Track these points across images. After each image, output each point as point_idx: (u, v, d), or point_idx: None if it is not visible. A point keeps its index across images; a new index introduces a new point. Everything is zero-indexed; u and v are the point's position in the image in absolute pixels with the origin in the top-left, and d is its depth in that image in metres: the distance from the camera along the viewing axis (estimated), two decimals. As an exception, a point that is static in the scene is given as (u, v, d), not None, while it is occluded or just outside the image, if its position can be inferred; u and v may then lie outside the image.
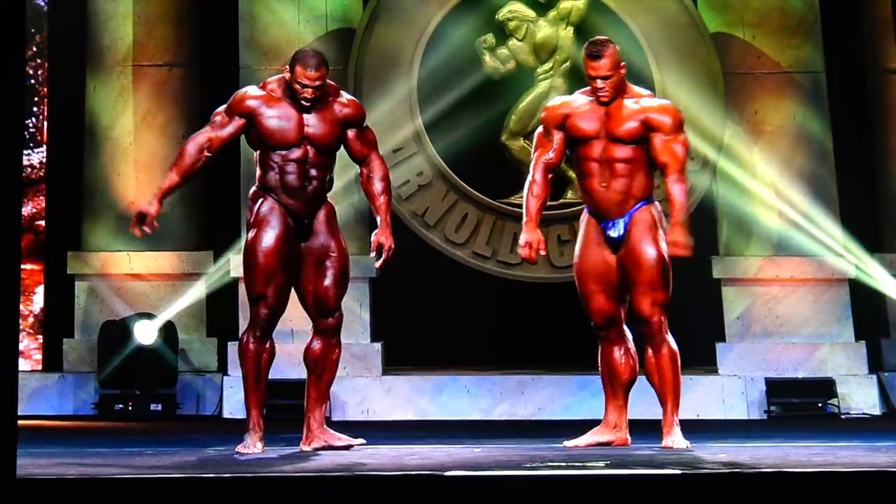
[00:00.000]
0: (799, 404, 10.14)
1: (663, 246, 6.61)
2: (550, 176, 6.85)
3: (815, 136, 10.89)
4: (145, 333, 10.36)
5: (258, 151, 6.71)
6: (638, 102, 6.69)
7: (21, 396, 10.20)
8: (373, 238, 6.70)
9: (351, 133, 6.72)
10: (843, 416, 10.14)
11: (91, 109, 11.25)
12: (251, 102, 6.62)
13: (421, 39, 11.09)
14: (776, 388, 10.22)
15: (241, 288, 10.59)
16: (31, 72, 11.74)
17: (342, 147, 6.76)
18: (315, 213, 6.66)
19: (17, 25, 4.34)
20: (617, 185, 6.67)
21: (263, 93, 6.65)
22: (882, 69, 11.18)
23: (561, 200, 10.59)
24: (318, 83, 6.54)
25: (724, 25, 11.13)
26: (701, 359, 10.54)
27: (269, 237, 6.53)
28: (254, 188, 6.73)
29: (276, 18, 11.02)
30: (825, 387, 10.24)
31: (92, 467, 5.65)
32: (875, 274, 10.61)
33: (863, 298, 10.69)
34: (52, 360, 11.13)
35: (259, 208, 6.63)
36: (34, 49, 11.80)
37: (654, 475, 5.20)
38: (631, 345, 6.77)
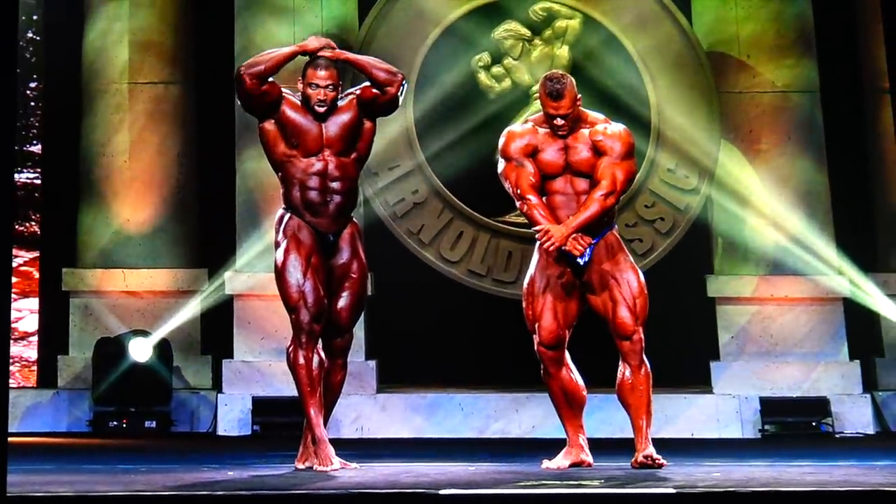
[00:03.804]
0: (793, 423, 10.16)
1: (636, 266, 6.65)
2: None
3: (810, 155, 10.91)
4: (140, 350, 10.37)
5: (280, 172, 6.64)
6: (591, 130, 6.64)
7: (16, 413, 10.25)
8: None
9: (368, 104, 6.67)
10: (837, 436, 10.14)
11: (87, 127, 11.26)
12: (283, 89, 6.60)
13: (417, 57, 11.11)
14: (770, 407, 10.23)
15: (236, 305, 10.62)
16: (28, 88, 11.76)
17: (367, 118, 6.69)
18: (340, 231, 6.63)
19: (8, 40, 4.34)
20: None
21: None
22: (876, 88, 11.20)
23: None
24: (329, 83, 6.56)
25: (719, 45, 11.16)
26: (695, 378, 10.55)
27: (298, 247, 6.48)
28: (280, 211, 6.68)
29: (271, 36, 11.02)
30: (819, 406, 10.25)
31: (86, 485, 5.64)
32: (869, 293, 10.62)
33: (857, 317, 10.70)
34: (47, 377, 11.11)
35: (286, 226, 6.58)
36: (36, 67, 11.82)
37: (648, 494, 5.18)
38: (574, 367, 6.74)
